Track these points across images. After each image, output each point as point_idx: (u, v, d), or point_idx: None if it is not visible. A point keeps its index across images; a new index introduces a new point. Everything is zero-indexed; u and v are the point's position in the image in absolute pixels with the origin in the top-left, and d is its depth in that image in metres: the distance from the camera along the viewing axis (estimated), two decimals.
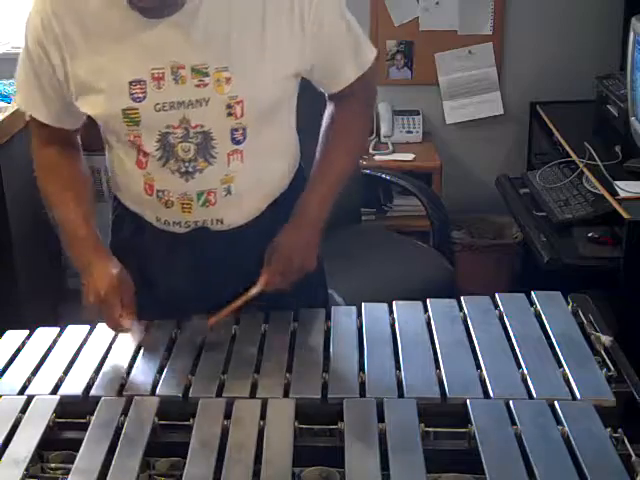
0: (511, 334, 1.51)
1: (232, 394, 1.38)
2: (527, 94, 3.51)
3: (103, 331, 1.60)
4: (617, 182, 2.55)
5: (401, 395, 1.37)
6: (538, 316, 1.57)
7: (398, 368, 1.43)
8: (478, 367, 1.42)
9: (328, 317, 1.62)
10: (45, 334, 1.63)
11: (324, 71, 1.60)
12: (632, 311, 2.35)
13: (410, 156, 3.41)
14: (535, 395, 1.34)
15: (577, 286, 1.77)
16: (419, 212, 3.14)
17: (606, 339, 1.48)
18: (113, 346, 1.56)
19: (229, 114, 1.50)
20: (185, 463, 1.23)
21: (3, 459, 1.26)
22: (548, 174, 2.96)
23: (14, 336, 1.63)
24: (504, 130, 3.61)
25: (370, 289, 2.47)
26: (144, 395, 1.40)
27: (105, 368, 1.49)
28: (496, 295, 1.64)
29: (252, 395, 1.39)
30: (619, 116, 2.85)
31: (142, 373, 1.47)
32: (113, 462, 1.24)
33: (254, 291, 1.59)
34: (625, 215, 2.38)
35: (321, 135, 1.67)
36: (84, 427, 1.32)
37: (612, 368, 1.40)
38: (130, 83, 1.48)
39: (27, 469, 1.23)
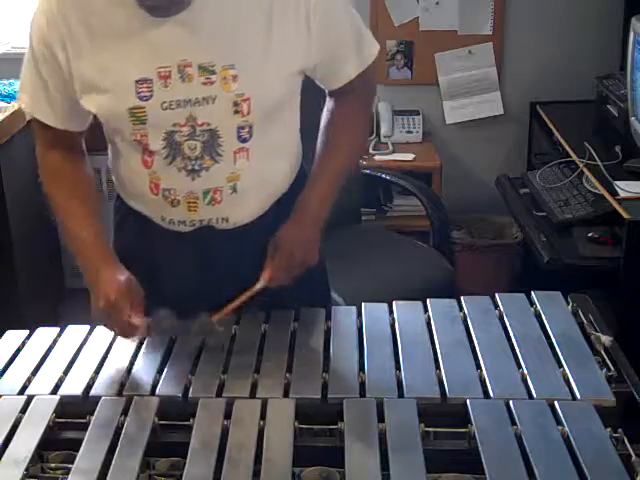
0: (511, 334, 1.51)
1: (232, 394, 1.38)
2: (527, 94, 3.51)
3: (103, 331, 1.60)
4: (617, 182, 2.55)
5: (401, 395, 1.37)
6: (538, 316, 1.57)
7: (398, 368, 1.43)
8: (478, 367, 1.42)
9: (328, 317, 1.62)
10: (45, 334, 1.63)
11: (327, 67, 1.59)
12: (632, 311, 2.35)
13: (410, 156, 3.40)
14: (535, 395, 1.34)
15: (577, 286, 1.77)
16: (419, 212, 3.14)
17: (606, 339, 1.48)
18: (113, 346, 1.56)
19: (236, 112, 1.50)
20: (185, 463, 1.23)
21: (3, 459, 1.26)
22: (548, 174, 2.96)
23: (14, 336, 1.63)
24: (504, 130, 3.61)
25: (370, 289, 2.47)
26: (144, 395, 1.40)
27: (105, 368, 1.49)
28: (496, 295, 1.65)
29: (252, 395, 1.39)
30: (619, 116, 2.85)
31: (142, 373, 1.47)
32: (113, 462, 1.24)
33: (257, 287, 1.59)
34: (625, 215, 2.37)
35: (321, 132, 1.67)
36: (84, 427, 1.32)
37: (612, 368, 1.41)
38: (137, 82, 1.47)
39: (27, 469, 1.23)
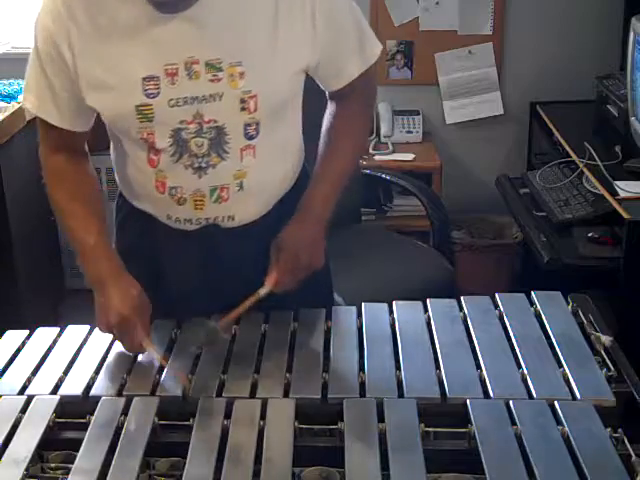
0: (511, 334, 1.51)
1: (232, 394, 1.38)
2: (527, 94, 3.52)
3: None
4: (617, 182, 2.55)
5: (401, 395, 1.37)
6: (538, 316, 1.57)
7: (398, 368, 1.43)
8: (478, 367, 1.42)
9: (328, 317, 1.62)
10: (45, 334, 1.63)
11: (329, 66, 1.59)
12: (632, 311, 2.35)
13: (410, 156, 3.41)
14: (535, 395, 1.34)
15: (577, 286, 1.77)
16: (419, 212, 3.14)
17: (606, 339, 1.48)
18: (113, 346, 1.56)
19: (243, 109, 1.51)
20: (185, 463, 1.23)
21: (3, 459, 1.25)
22: (548, 174, 2.96)
23: (14, 336, 1.63)
24: (504, 130, 3.62)
25: (370, 289, 2.47)
26: (144, 395, 1.40)
27: (105, 368, 1.49)
28: (496, 295, 1.64)
29: (252, 395, 1.39)
30: (619, 116, 2.85)
31: (142, 373, 1.47)
32: (113, 462, 1.24)
33: (263, 292, 1.57)
34: (625, 215, 2.38)
35: (322, 134, 1.67)
36: (84, 427, 1.32)
37: (612, 368, 1.41)
38: (144, 79, 1.47)
39: (27, 469, 1.23)
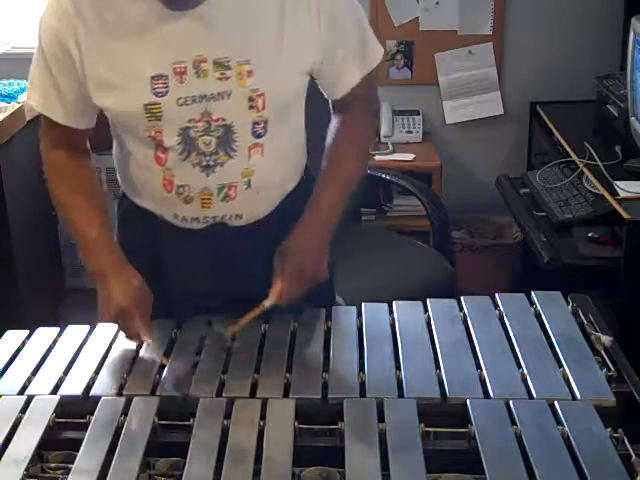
0: (511, 334, 1.51)
1: (232, 394, 1.38)
2: (527, 94, 3.51)
3: (103, 331, 1.60)
4: (617, 182, 2.55)
5: (401, 395, 1.37)
6: (538, 316, 1.57)
7: (398, 368, 1.43)
8: (478, 367, 1.42)
9: (328, 317, 1.62)
10: (45, 334, 1.62)
11: (331, 68, 1.58)
12: (632, 311, 2.35)
13: (410, 156, 3.40)
14: (535, 395, 1.34)
15: (577, 286, 1.77)
16: (419, 212, 3.14)
17: (606, 339, 1.48)
18: (113, 346, 1.56)
19: (251, 107, 1.51)
20: (185, 463, 1.23)
21: (3, 459, 1.25)
22: (548, 174, 2.96)
23: (14, 336, 1.63)
24: (504, 130, 3.61)
25: (370, 289, 2.47)
26: (144, 395, 1.40)
27: (105, 368, 1.49)
28: (496, 295, 1.64)
29: (252, 395, 1.39)
30: (619, 116, 2.85)
31: (142, 373, 1.47)
32: (113, 462, 1.24)
33: (267, 303, 1.56)
34: (625, 215, 2.37)
35: (327, 142, 1.66)
36: (84, 427, 1.32)
37: (612, 368, 1.41)
38: (152, 78, 1.47)
39: (27, 469, 1.23)
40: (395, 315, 1.61)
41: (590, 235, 2.53)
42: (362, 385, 1.40)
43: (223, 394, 1.39)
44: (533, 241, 2.67)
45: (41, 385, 1.45)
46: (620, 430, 1.24)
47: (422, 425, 1.27)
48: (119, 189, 1.76)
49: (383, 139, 3.49)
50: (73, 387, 1.44)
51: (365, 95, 1.65)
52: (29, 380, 1.47)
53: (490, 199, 3.40)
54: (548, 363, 1.42)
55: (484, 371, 1.41)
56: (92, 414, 1.35)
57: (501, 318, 1.57)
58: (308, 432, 1.30)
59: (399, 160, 3.38)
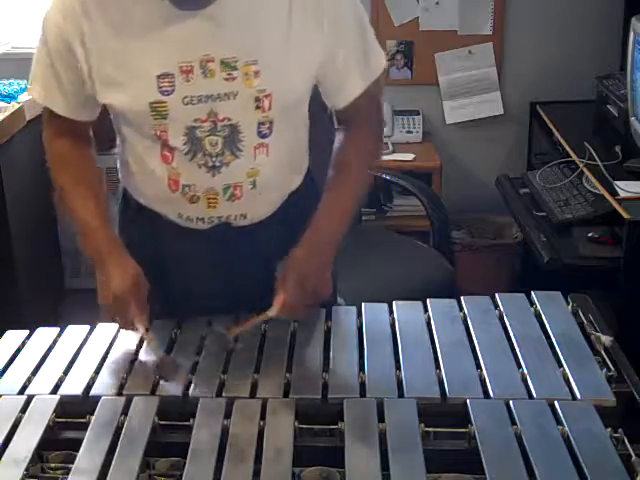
0: (511, 334, 1.51)
1: (232, 394, 1.38)
2: (527, 94, 3.51)
3: (103, 331, 1.60)
4: (617, 182, 2.55)
5: (401, 395, 1.37)
6: (538, 316, 1.57)
7: (398, 368, 1.43)
8: (478, 367, 1.43)
9: (328, 317, 1.62)
10: (45, 334, 1.63)
11: (333, 72, 1.57)
12: (632, 311, 2.35)
13: (410, 156, 3.41)
14: (535, 395, 1.34)
15: (577, 286, 1.77)
16: (419, 212, 3.14)
17: (606, 339, 1.48)
18: (113, 346, 1.56)
19: (257, 107, 1.51)
20: (185, 463, 1.23)
21: (3, 459, 1.25)
22: (548, 174, 2.96)
23: (14, 336, 1.63)
24: (504, 130, 3.61)
25: (370, 289, 2.47)
26: (144, 395, 1.40)
27: (105, 368, 1.49)
28: (496, 295, 1.65)
29: (252, 395, 1.39)
30: (619, 116, 2.85)
31: (142, 373, 1.47)
32: (113, 462, 1.24)
33: (271, 314, 1.52)
34: (625, 215, 2.38)
35: (332, 159, 1.64)
36: (84, 427, 1.32)
37: (612, 368, 1.41)
38: (158, 77, 1.47)
39: (27, 469, 1.23)
40: (395, 315, 1.61)
41: (590, 235, 2.53)
42: (362, 385, 1.39)
43: (223, 394, 1.39)
44: (533, 241, 2.67)
45: (41, 385, 1.45)
46: (620, 430, 1.24)
47: (422, 425, 1.27)
48: (118, 190, 1.76)
49: (383, 139, 3.49)
50: (73, 387, 1.44)
51: (370, 112, 1.63)
52: (29, 380, 1.47)
53: (490, 199, 3.40)
54: (548, 363, 1.42)
55: (484, 371, 1.41)
56: (92, 414, 1.35)
57: (501, 318, 1.57)
58: (308, 432, 1.30)
59: (399, 160, 3.38)
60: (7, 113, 2.98)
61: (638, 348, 1.53)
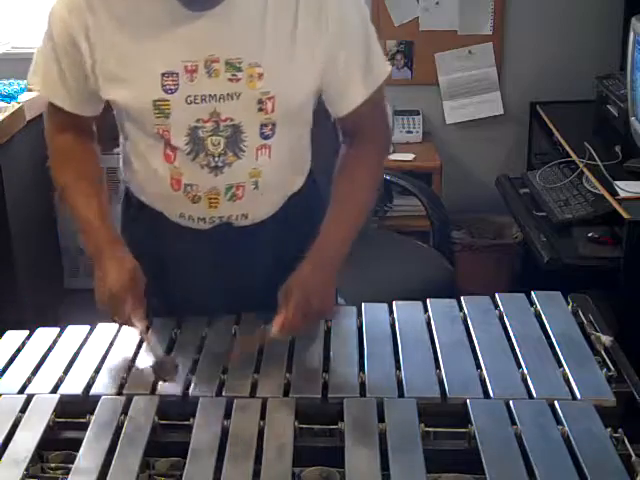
0: (511, 334, 1.51)
1: (232, 394, 1.38)
2: (527, 94, 3.52)
3: (103, 331, 1.60)
4: (617, 182, 2.55)
5: (401, 395, 1.37)
6: (538, 316, 1.57)
7: (398, 368, 1.43)
8: (478, 367, 1.42)
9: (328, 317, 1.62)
10: (45, 334, 1.62)
11: (334, 78, 1.56)
12: (632, 311, 2.35)
13: (410, 156, 3.41)
14: (535, 395, 1.34)
15: (577, 286, 1.77)
16: (419, 212, 3.14)
17: (606, 339, 1.48)
18: (113, 346, 1.56)
19: (260, 109, 1.51)
20: (185, 463, 1.23)
21: (3, 459, 1.25)
22: (548, 174, 2.96)
23: (14, 336, 1.63)
24: (504, 130, 3.62)
25: (370, 289, 2.47)
26: (144, 394, 1.40)
27: (105, 367, 1.49)
28: (496, 295, 1.64)
29: (252, 395, 1.39)
30: (619, 116, 2.85)
31: (142, 372, 1.47)
32: (113, 462, 1.23)
33: (270, 335, 1.48)
34: (625, 215, 2.37)
35: (336, 176, 1.62)
36: (84, 427, 1.32)
37: (612, 368, 1.41)
38: (162, 75, 1.47)
39: (27, 469, 1.23)
40: (395, 315, 1.61)
41: (590, 235, 2.53)
42: (362, 385, 1.39)
43: (223, 394, 1.39)
44: (533, 241, 2.67)
45: (41, 384, 1.45)
46: (620, 430, 1.24)
47: (422, 425, 1.27)
48: (119, 189, 1.76)
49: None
50: (73, 386, 1.44)
51: (374, 121, 1.62)
52: (29, 380, 1.46)
53: (490, 199, 3.40)
54: (548, 363, 1.42)
55: (484, 371, 1.41)
56: (92, 413, 1.35)
57: (501, 318, 1.57)
58: (308, 432, 1.30)
59: (399, 160, 3.38)
60: (7, 113, 2.98)
61: (638, 348, 1.53)
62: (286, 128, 1.56)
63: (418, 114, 3.55)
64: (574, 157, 2.83)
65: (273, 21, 1.48)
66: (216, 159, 1.54)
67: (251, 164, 1.56)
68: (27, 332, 1.63)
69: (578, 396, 1.33)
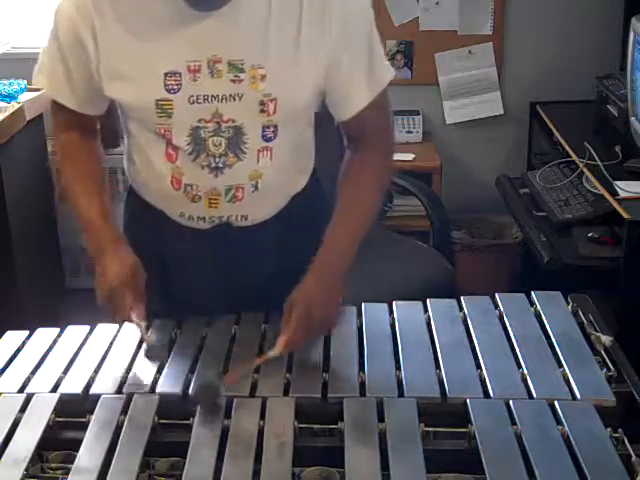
0: (511, 334, 1.51)
1: (232, 394, 1.38)
2: (527, 94, 3.51)
3: (103, 331, 1.60)
4: (617, 182, 2.55)
5: (401, 395, 1.37)
6: (538, 316, 1.57)
7: (398, 368, 1.43)
8: (478, 367, 1.43)
9: None
10: (45, 334, 1.62)
11: (337, 82, 1.55)
12: (632, 311, 2.35)
13: (410, 156, 3.41)
14: (535, 395, 1.34)
15: (577, 286, 1.77)
16: (419, 212, 3.14)
17: (606, 339, 1.48)
18: (113, 345, 1.56)
19: (262, 111, 1.51)
20: (185, 463, 1.23)
21: (3, 459, 1.25)
22: (548, 174, 2.96)
23: (14, 336, 1.63)
24: (504, 130, 3.61)
25: (370, 289, 2.46)
26: (144, 393, 1.40)
27: (105, 366, 1.49)
28: (496, 295, 1.65)
29: (252, 394, 1.38)
30: (619, 116, 2.85)
31: (142, 372, 1.47)
32: (113, 462, 1.23)
33: (272, 354, 1.46)
34: (625, 215, 2.37)
35: (340, 184, 1.61)
36: (84, 426, 1.32)
37: (612, 368, 1.41)
38: (165, 74, 1.48)
39: (27, 469, 1.23)
40: (395, 315, 1.61)
41: (590, 235, 2.53)
42: (362, 385, 1.39)
43: (223, 394, 1.39)
44: (533, 241, 2.67)
45: (41, 384, 1.45)
46: (620, 430, 1.24)
47: (422, 425, 1.27)
48: (120, 189, 1.76)
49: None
50: (73, 385, 1.44)
51: (378, 126, 1.62)
52: (29, 379, 1.47)
53: (490, 199, 3.40)
54: (548, 363, 1.42)
55: (484, 371, 1.41)
56: (92, 413, 1.35)
57: (501, 318, 1.57)
58: (308, 432, 1.30)
59: (399, 160, 3.36)
60: (7, 113, 2.98)
61: (638, 348, 1.53)
62: (288, 130, 1.56)
63: (418, 114, 3.55)
64: (574, 157, 2.83)
65: (277, 27, 1.47)
66: (217, 160, 1.54)
67: (252, 166, 1.56)
68: (27, 332, 1.63)
69: (578, 396, 1.33)
